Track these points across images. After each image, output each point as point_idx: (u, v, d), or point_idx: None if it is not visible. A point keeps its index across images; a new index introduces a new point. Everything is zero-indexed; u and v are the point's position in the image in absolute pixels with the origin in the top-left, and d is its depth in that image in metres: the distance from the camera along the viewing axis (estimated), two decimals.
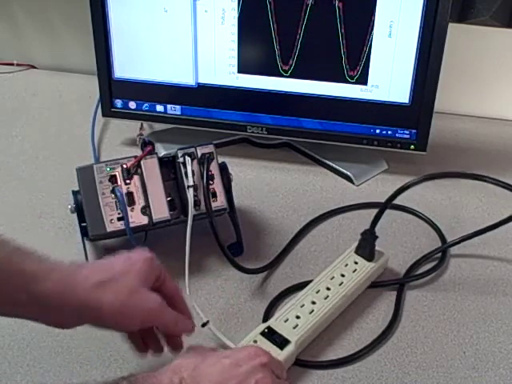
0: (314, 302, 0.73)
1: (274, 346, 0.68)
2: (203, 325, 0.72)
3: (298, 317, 0.71)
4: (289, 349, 0.68)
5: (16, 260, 0.58)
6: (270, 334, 0.69)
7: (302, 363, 0.70)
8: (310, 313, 0.72)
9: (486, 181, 0.96)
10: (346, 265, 0.78)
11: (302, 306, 0.73)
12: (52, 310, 0.59)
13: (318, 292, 0.74)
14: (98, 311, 0.59)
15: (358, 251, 0.80)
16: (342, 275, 0.77)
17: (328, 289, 0.75)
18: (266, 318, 0.74)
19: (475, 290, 0.80)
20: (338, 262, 0.79)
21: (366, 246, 0.79)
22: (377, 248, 0.80)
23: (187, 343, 0.69)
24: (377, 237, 0.78)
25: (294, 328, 0.70)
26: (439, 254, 0.84)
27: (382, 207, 0.77)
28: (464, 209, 0.94)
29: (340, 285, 0.76)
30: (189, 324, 0.66)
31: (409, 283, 0.81)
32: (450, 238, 0.86)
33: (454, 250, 0.86)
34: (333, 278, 0.76)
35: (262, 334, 0.69)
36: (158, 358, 0.67)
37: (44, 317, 0.60)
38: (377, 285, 0.80)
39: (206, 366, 0.59)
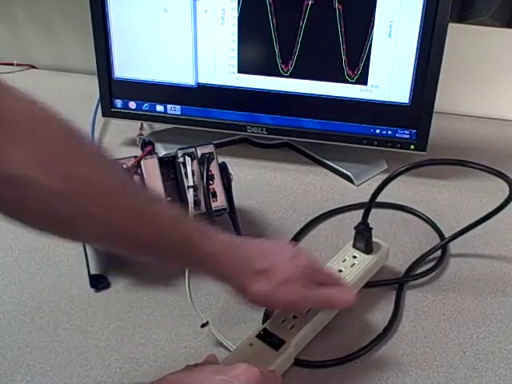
0: None
1: (270, 348, 0.67)
2: (203, 325, 0.72)
3: (294, 317, 0.71)
4: (285, 349, 0.67)
5: (195, 237, 0.62)
6: (266, 336, 0.69)
7: (302, 363, 0.69)
8: (307, 312, 0.71)
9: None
10: (344, 260, 0.78)
11: None
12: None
13: None
14: (244, 292, 0.65)
15: (355, 245, 0.79)
16: (340, 271, 0.76)
17: None
18: (265, 319, 0.74)
19: (475, 290, 0.80)
20: (335, 258, 0.78)
21: (362, 239, 0.78)
22: (376, 240, 0.80)
23: (188, 352, 0.69)
24: (371, 228, 0.78)
25: (291, 328, 0.69)
26: (439, 254, 0.84)
27: (372, 197, 0.76)
28: (464, 209, 0.94)
29: None
30: (343, 297, 0.69)
31: (408, 283, 0.81)
32: None
33: (453, 250, 0.86)
34: None
35: (258, 336, 0.69)
36: (154, 369, 0.68)
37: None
38: (376, 284, 0.80)
39: (197, 381, 0.59)
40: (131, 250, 0.60)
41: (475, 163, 0.74)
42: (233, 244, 0.65)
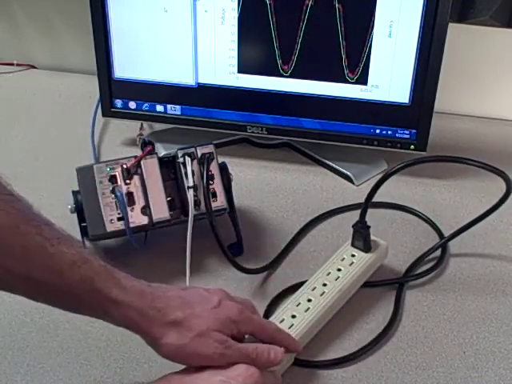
0: (309, 300, 0.72)
1: None
2: None
3: (293, 316, 0.70)
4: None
5: (99, 281, 0.58)
6: None
7: (302, 363, 0.69)
8: (306, 311, 0.71)
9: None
10: (343, 259, 0.78)
11: (298, 304, 0.72)
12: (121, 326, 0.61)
13: (314, 289, 0.74)
14: (156, 346, 0.60)
15: (353, 244, 0.79)
16: (339, 270, 0.76)
17: (324, 285, 0.74)
18: (265, 318, 0.74)
19: (475, 290, 0.80)
20: (334, 257, 0.78)
21: (360, 238, 0.78)
22: (374, 238, 0.80)
23: None
24: (369, 226, 0.78)
25: (290, 328, 0.69)
26: (439, 253, 0.84)
27: (369, 194, 0.76)
28: (464, 208, 0.94)
29: (336, 280, 0.75)
30: (272, 354, 0.63)
31: (408, 283, 0.81)
32: None
33: (453, 250, 0.86)
34: (329, 273, 0.76)
35: None
36: (154, 369, 0.68)
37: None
38: (376, 284, 0.80)
39: (196, 381, 0.59)
40: (33, 294, 0.58)
41: (470, 159, 0.74)
42: (143, 291, 0.60)
